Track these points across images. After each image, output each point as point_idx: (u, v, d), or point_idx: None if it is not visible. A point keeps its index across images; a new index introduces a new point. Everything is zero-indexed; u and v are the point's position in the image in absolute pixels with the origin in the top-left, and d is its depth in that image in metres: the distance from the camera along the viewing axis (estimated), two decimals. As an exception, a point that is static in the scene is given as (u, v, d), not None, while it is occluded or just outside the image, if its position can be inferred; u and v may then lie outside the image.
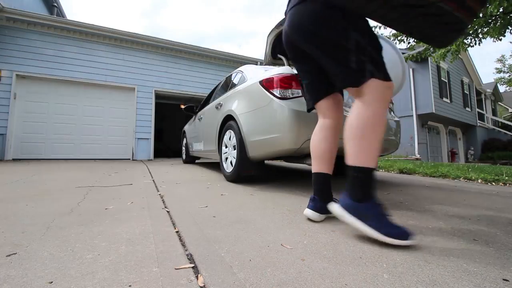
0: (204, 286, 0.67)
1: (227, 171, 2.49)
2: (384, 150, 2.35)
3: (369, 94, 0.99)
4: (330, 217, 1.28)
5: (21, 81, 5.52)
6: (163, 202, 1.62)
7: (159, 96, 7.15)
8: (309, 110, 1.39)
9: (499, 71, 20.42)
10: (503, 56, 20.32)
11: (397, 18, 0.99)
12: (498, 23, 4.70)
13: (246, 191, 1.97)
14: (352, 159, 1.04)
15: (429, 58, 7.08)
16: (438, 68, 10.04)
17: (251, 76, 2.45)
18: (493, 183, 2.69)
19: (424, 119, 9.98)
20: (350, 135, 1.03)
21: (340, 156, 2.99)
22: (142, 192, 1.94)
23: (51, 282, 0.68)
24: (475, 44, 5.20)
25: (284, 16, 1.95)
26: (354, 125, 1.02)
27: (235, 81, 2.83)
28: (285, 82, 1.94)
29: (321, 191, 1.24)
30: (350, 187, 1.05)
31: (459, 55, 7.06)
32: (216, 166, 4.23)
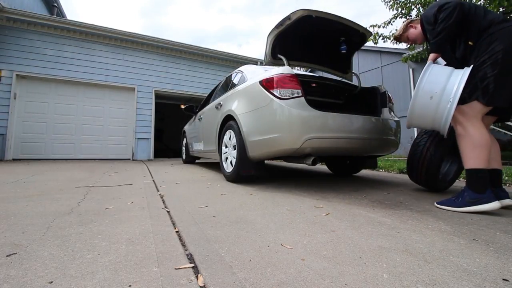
0: (204, 286, 0.67)
1: (227, 171, 2.49)
2: (384, 150, 2.35)
3: None
4: (329, 217, 1.28)
5: (21, 81, 5.52)
6: (163, 202, 1.62)
7: (159, 96, 7.15)
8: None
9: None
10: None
11: None
12: (498, 23, 4.69)
13: (246, 191, 1.97)
14: None
15: (429, 58, 7.07)
16: (438, 68, 10.01)
17: (251, 76, 2.45)
18: (493, 183, 2.69)
19: (424, 119, 9.95)
20: None
21: (348, 157, 2.96)
22: (142, 192, 1.94)
23: (51, 282, 0.68)
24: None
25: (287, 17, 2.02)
26: None
27: (235, 81, 2.83)
28: (285, 82, 1.94)
29: None
30: None
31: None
32: (216, 166, 4.23)
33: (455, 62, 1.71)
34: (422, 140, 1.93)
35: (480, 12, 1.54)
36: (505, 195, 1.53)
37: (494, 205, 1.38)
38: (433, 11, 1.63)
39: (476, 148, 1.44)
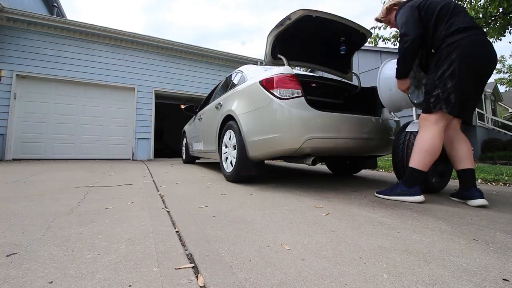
0: (204, 286, 0.67)
1: (227, 171, 2.49)
2: (384, 150, 2.35)
3: None
4: (329, 217, 1.29)
5: (21, 81, 5.52)
6: (163, 202, 1.62)
7: (159, 96, 7.15)
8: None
9: (499, 71, 20.42)
10: (502, 56, 20.26)
11: None
12: (498, 23, 4.71)
13: (246, 191, 1.97)
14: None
15: (429, 59, 7.11)
16: (438, 68, 9.98)
17: (251, 76, 2.45)
18: (493, 183, 2.69)
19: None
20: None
21: (348, 157, 2.98)
22: (142, 192, 1.94)
23: (51, 282, 0.68)
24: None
25: (287, 17, 2.06)
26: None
27: (235, 81, 2.83)
28: (285, 82, 1.94)
29: None
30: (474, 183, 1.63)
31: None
32: (216, 166, 4.23)
33: (420, 69, 1.88)
34: (398, 155, 1.95)
35: (442, 21, 1.60)
36: (480, 195, 1.56)
37: (418, 198, 1.60)
38: (400, 27, 1.72)
39: (422, 152, 1.61)
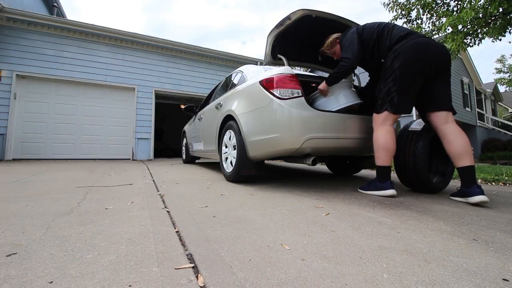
0: (204, 286, 0.67)
1: (227, 171, 2.49)
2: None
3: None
4: (329, 217, 1.29)
5: (21, 81, 5.52)
6: (163, 202, 1.62)
7: (159, 96, 7.15)
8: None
9: (499, 71, 20.41)
10: (503, 56, 20.23)
11: None
12: (498, 23, 4.71)
13: (246, 191, 1.97)
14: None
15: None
16: (438, 68, 9.99)
17: (251, 76, 2.45)
18: (493, 183, 2.69)
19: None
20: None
21: (348, 157, 3.00)
22: (142, 192, 1.94)
23: (51, 282, 0.68)
24: (475, 44, 5.21)
25: (287, 17, 2.13)
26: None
27: (235, 81, 2.83)
28: (285, 82, 1.94)
29: None
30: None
31: (459, 55, 7.06)
32: (216, 166, 4.23)
33: (375, 76, 2.10)
34: (401, 152, 1.96)
35: (384, 34, 1.83)
36: (480, 192, 1.58)
37: (389, 192, 1.77)
38: (343, 48, 1.95)
39: (380, 150, 1.79)
